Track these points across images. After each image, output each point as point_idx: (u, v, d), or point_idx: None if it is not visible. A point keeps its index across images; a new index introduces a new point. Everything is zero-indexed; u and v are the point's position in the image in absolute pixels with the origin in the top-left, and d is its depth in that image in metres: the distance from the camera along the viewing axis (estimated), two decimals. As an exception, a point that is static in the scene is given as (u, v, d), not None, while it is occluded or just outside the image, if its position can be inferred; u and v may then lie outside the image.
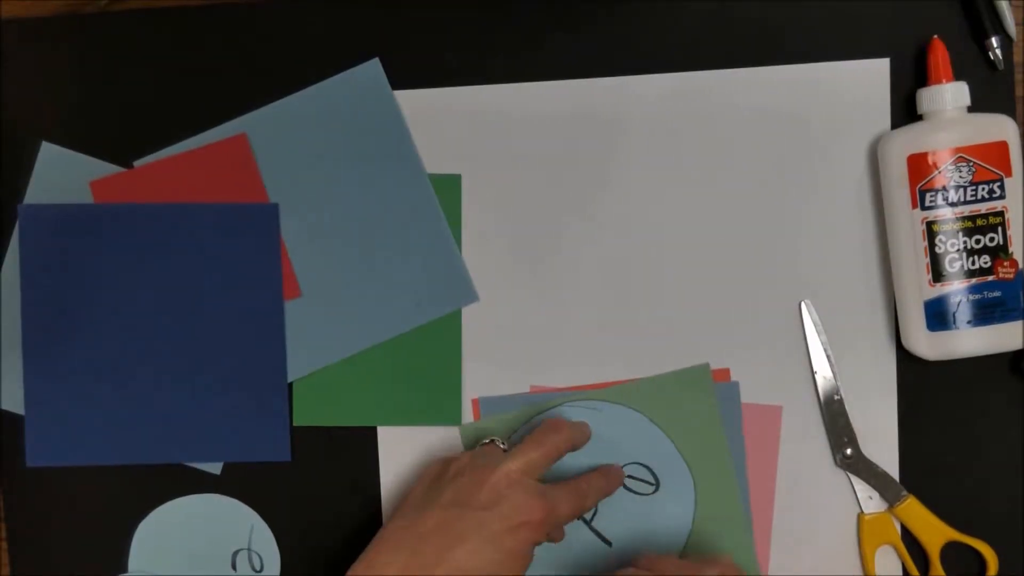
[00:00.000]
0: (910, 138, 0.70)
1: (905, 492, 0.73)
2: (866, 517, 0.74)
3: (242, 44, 0.76)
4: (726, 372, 0.75)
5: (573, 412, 0.75)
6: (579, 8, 0.75)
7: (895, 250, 0.72)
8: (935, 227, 0.70)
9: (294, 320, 0.76)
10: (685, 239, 0.75)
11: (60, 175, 0.76)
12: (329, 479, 0.77)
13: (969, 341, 0.70)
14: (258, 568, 0.77)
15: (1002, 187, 0.69)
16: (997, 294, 0.69)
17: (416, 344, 0.76)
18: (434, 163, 0.76)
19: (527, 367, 0.75)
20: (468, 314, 0.76)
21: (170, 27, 0.76)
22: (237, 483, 0.77)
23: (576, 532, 0.75)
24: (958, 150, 0.69)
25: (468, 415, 0.76)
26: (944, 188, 0.69)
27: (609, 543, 0.75)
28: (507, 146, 0.75)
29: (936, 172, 0.69)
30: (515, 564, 0.65)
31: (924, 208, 0.70)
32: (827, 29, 0.74)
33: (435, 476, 0.69)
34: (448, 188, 0.75)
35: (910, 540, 0.74)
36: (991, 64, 0.72)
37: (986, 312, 0.69)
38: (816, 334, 0.74)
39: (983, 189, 0.69)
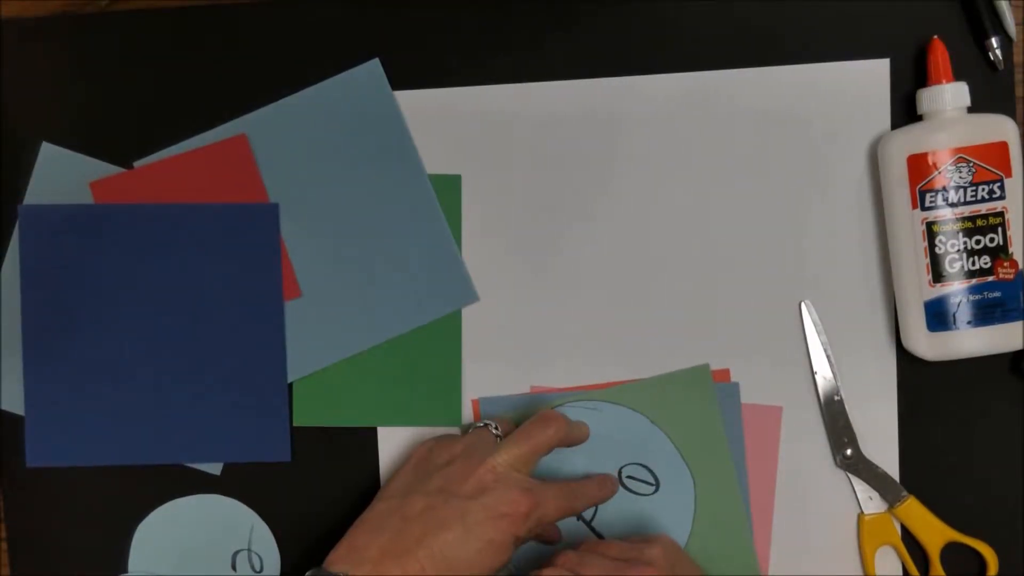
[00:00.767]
0: (910, 138, 0.70)
1: (905, 492, 0.73)
2: (866, 517, 0.74)
3: (242, 44, 0.76)
4: (726, 372, 0.75)
5: (573, 412, 0.75)
6: (579, 8, 0.75)
7: (895, 250, 0.72)
8: (935, 227, 0.70)
9: (294, 320, 0.76)
10: (685, 239, 0.75)
11: (60, 175, 0.76)
12: (329, 479, 0.77)
13: (969, 341, 0.70)
14: (258, 568, 0.77)
15: (1002, 187, 0.69)
16: (997, 294, 0.69)
17: (416, 344, 0.76)
18: (434, 163, 0.76)
19: (527, 367, 0.75)
20: (468, 314, 0.76)
21: (170, 27, 0.76)
22: (237, 483, 0.77)
23: (576, 532, 0.75)
24: (958, 150, 0.69)
25: (468, 415, 0.76)
26: (944, 188, 0.69)
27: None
28: (507, 146, 0.75)
29: (936, 172, 0.69)
30: (494, 554, 0.65)
31: (924, 208, 0.70)
32: (827, 29, 0.74)
33: (423, 458, 0.69)
34: (448, 188, 0.75)
35: (910, 540, 0.74)
36: (991, 64, 0.72)
37: (986, 312, 0.69)
38: (816, 334, 0.74)
39: (983, 189, 0.69)
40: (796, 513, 0.74)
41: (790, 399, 0.74)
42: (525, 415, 0.73)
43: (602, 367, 0.75)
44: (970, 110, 0.71)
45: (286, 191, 0.76)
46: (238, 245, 0.75)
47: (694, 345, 0.75)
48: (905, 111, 0.73)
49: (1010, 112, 0.72)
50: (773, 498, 0.75)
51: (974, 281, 0.69)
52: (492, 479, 0.66)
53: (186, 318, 0.76)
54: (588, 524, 0.75)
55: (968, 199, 0.69)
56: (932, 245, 0.70)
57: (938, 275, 0.70)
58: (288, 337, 0.76)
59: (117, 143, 0.76)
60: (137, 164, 0.76)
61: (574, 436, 0.71)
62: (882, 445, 0.74)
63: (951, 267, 0.70)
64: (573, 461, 0.75)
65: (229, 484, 0.77)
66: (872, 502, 0.74)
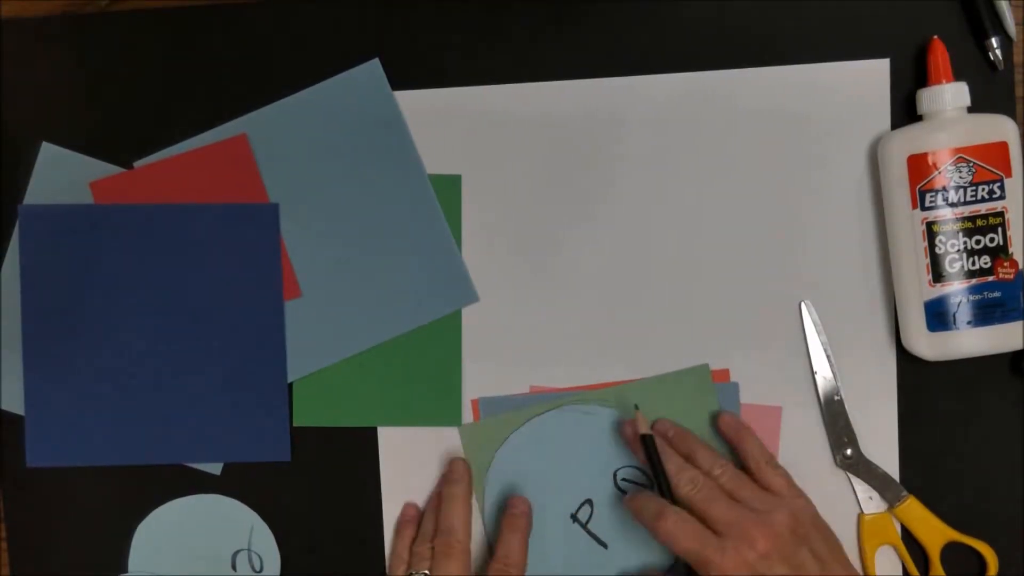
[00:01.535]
0: (910, 138, 0.70)
1: (905, 492, 0.73)
2: (866, 517, 0.74)
3: (242, 44, 0.76)
4: (726, 373, 0.75)
5: (571, 414, 0.75)
6: (579, 8, 0.75)
7: (895, 250, 0.72)
8: (935, 227, 0.70)
9: (294, 320, 0.76)
10: (685, 239, 0.75)
11: (60, 175, 0.76)
12: (329, 479, 0.77)
13: (969, 341, 0.70)
14: (258, 568, 0.77)
15: (1002, 187, 0.69)
16: (997, 294, 0.69)
17: (416, 344, 0.76)
18: (434, 163, 0.76)
19: (527, 367, 0.75)
20: (468, 314, 0.76)
21: (170, 27, 0.76)
22: (237, 483, 0.77)
23: (572, 534, 0.75)
24: (958, 150, 0.69)
25: (468, 415, 0.76)
26: (944, 188, 0.69)
27: (605, 545, 0.75)
28: (507, 146, 0.75)
29: (936, 172, 0.69)
30: None
31: (924, 208, 0.70)
32: (827, 29, 0.74)
33: None
34: (448, 188, 0.75)
35: (910, 540, 0.74)
36: (991, 64, 0.72)
37: (986, 312, 0.69)
38: (816, 334, 0.74)
39: (983, 189, 0.69)
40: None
41: (790, 399, 0.74)
42: (523, 416, 0.73)
43: (602, 367, 0.75)
44: (970, 110, 0.71)
45: (286, 191, 0.76)
46: (238, 245, 0.75)
47: (694, 345, 0.75)
48: (905, 111, 0.73)
49: (1010, 112, 0.72)
50: (773, 498, 0.75)
51: (974, 281, 0.69)
52: None
53: (186, 318, 0.76)
54: (584, 526, 0.75)
55: (968, 199, 0.69)
56: (932, 245, 0.70)
57: (938, 275, 0.70)
58: (288, 337, 0.76)
59: (117, 143, 0.76)
60: (137, 164, 0.76)
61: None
62: (882, 445, 0.74)
63: (951, 267, 0.70)
64: (568, 466, 0.75)
65: (229, 484, 0.77)
66: (872, 502, 0.74)
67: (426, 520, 0.75)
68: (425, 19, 0.75)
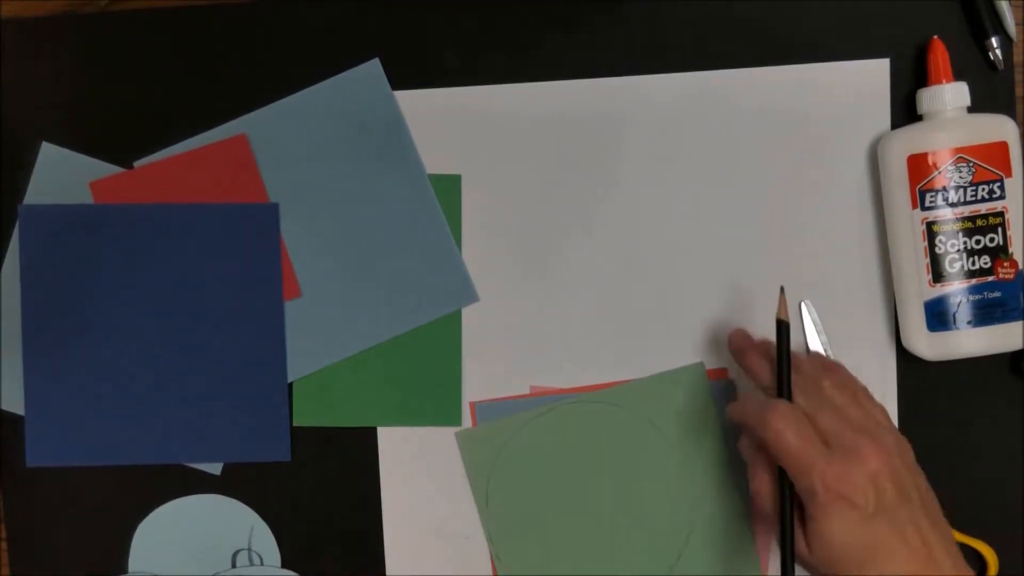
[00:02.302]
0: (910, 138, 0.70)
1: (905, 492, 0.73)
2: (866, 517, 0.74)
3: (242, 44, 0.76)
4: (723, 371, 0.75)
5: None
6: (579, 8, 0.75)
7: (895, 250, 0.72)
8: (935, 227, 0.70)
9: (294, 320, 0.76)
10: (684, 239, 0.75)
11: (60, 175, 0.76)
12: (329, 479, 0.77)
13: (969, 341, 0.70)
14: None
15: (1002, 187, 0.69)
16: (997, 294, 0.69)
17: (416, 344, 0.76)
18: (434, 163, 0.76)
19: (527, 368, 0.75)
20: (468, 314, 0.76)
21: (170, 27, 0.76)
22: (237, 483, 0.77)
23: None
24: (958, 150, 0.69)
25: (467, 416, 0.76)
26: (944, 188, 0.69)
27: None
28: (507, 146, 0.75)
29: (936, 172, 0.69)
30: None
31: (924, 208, 0.70)
32: (827, 29, 0.74)
33: None
34: (448, 188, 0.75)
35: (910, 540, 0.74)
36: (991, 64, 0.72)
37: (986, 312, 0.69)
38: (816, 334, 0.74)
39: (983, 189, 0.69)
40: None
41: (790, 399, 0.74)
42: (520, 421, 0.73)
43: (602, 367, 0.75)
44: (970, 110, 0.71)
45: (286, 191, 0.76)
46: (238, 245, 0.75)
47: (694, 345, 0.75)
48: (905, 111, 0.73)
49: (1010, 112, 0.72)
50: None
51: (974, 281, 0.69)
52: None
53: (186, 318, 0.76)
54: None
55: (968, 199, 0.69)
56: (932, 245, 0.70)
57: (938, 275, 0.70)
58: (288, 337, 0.76)
59: (117, 143, 0.76)
60: (137, 164, 0.76)
61: None
62: (882, 445, 0.74)
63: (951, 267, 0.70)
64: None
65: (229, 484, 0.77)
66: (872, 502, 0.74)
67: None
68: (425, 19, 0.75)
